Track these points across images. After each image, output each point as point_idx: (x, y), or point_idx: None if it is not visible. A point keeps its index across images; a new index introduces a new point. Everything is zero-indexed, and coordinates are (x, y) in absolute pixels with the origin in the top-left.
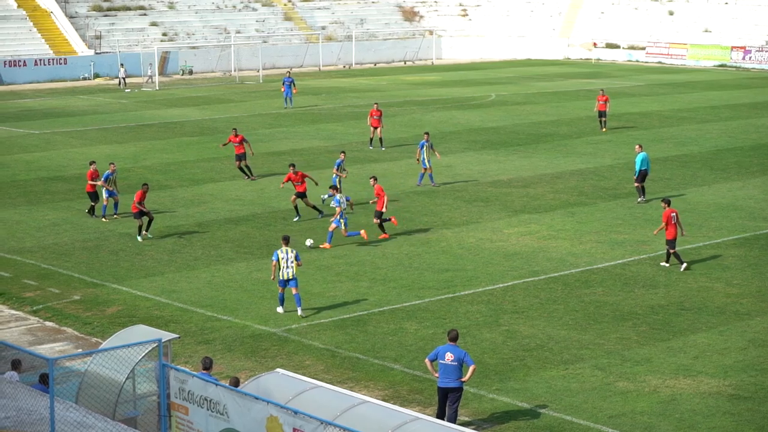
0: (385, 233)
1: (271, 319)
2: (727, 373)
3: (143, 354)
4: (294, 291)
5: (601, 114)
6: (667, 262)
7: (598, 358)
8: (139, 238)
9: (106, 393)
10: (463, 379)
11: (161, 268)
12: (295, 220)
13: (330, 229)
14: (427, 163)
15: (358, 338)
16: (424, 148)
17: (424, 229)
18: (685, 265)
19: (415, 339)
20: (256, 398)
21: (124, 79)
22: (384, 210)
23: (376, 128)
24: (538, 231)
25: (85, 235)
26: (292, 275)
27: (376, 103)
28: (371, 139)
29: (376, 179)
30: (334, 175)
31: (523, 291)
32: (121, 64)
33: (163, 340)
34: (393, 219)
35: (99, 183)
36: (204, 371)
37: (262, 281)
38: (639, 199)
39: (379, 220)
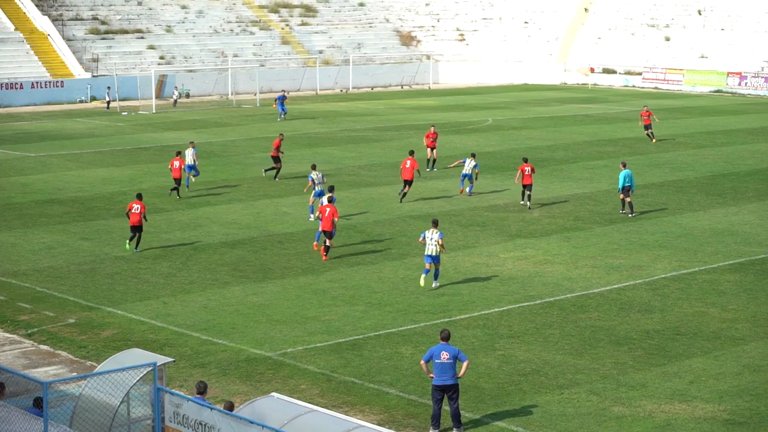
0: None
1: (267, 343)
2: (722, 398)
3: (138, 378)
4: (435, 266)
5: (647, 127)
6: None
7: (593, 382)
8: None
9: (100, 417)
10: (458, 375)
11: (157, 291)
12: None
13: None
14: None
15: (353, 362)
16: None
17: (421, 253)
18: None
19: (410, 363)
20: (251, 422)
21: (108, 102)
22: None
23: (432, 149)
24: (534, 256)
25: (81, 258)
26: (435, 252)
27: (432, 126)
28: (428, 161)
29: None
30: None
31: (519, 315)
32: (108, 87)
33: (158, 364)
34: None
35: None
36: (198, 395)
37: (258, 305)
38: (621, 211)
39: None
